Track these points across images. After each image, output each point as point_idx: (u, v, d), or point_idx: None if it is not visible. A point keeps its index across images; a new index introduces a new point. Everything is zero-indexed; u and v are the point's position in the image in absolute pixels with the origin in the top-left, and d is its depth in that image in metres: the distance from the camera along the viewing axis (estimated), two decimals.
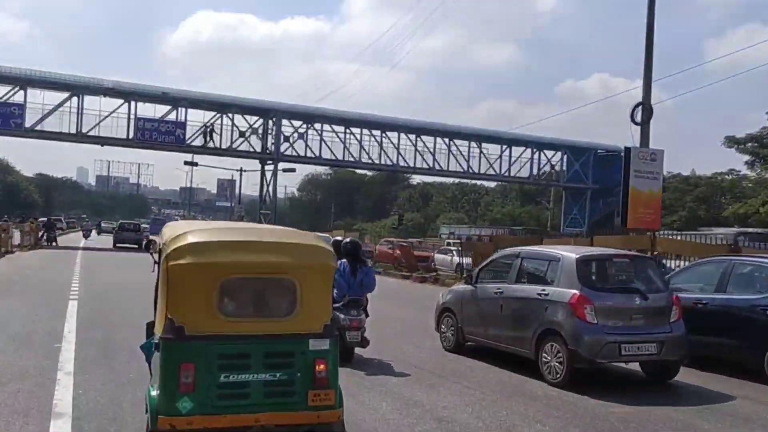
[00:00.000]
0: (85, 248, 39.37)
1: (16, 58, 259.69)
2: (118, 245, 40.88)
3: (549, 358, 8.44)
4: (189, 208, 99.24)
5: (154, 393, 4.49)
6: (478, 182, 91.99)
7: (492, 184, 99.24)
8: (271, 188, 49.25)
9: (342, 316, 8.75)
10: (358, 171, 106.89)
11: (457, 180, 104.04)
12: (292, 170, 52.42)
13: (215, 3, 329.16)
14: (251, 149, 47.45)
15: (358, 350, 9.25)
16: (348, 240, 10.09)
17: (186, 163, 52.84)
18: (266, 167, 49.53)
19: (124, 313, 12.35)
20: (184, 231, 4.75)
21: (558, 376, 8.26)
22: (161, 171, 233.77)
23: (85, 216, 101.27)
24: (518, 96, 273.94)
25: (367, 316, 9.27)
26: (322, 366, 4.62)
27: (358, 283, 9.27)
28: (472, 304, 10.03)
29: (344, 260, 9.23)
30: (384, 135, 50.05)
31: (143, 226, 52.91)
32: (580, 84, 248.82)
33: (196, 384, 4.36)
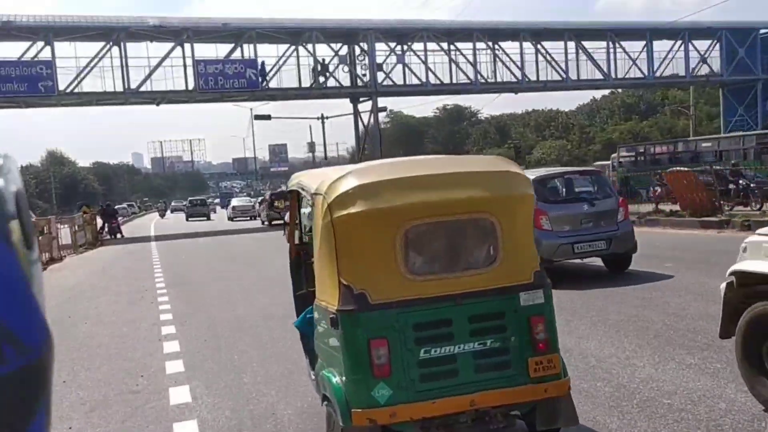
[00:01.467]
0: (158, 237, 29.11)
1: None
2: (190, 219, 43.77)
3: None
4: (256, 176, 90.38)
5: (336, 380, 3.49)
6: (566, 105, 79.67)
7: (572, 107, 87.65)
8: (369, 130, 37.88)
9: None
10: (417, 115, 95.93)
11: (530, 108, 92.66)
12: (383, 109, 40.88)
13: None
14: (338, 84, 35.92)
15: None
16: None
17: (258, 117, 42.03)
18: (359, 106, 38.10)
19: None
20: (343, 173, 3.60)
21: None
22: (212, 145, 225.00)
23: (147, 199, 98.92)
24: None
25: None
26: (539, 325, 3.56)
27: None
28: None
29: None
30: (496, 46, 37.82)
31: (208, 200, 57.66)
32: None
33: (392, 365, 3.37)
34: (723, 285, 4.61)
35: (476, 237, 3.73)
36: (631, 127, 60.40)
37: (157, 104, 34.48)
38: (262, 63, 33.77)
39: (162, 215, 56.93)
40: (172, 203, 72.35)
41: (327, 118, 44.95)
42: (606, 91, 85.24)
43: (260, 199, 40.07)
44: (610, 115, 77.79)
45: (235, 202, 44.34)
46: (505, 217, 3.60)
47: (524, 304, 3.55)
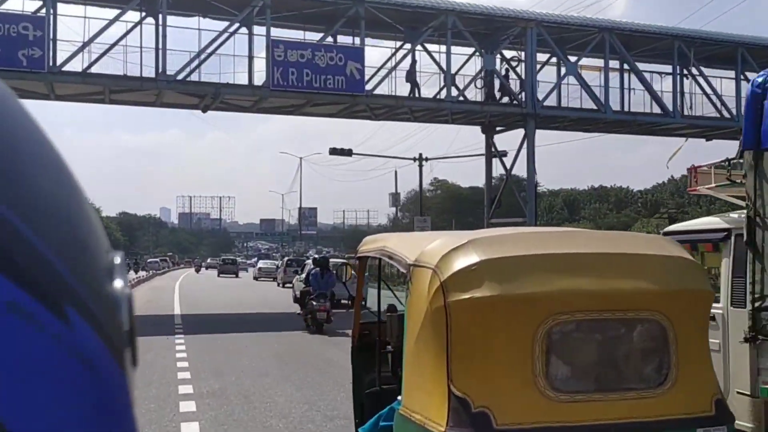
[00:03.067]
0: (186, 322, 15.87)
1: (102, 108, 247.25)
2: (221, 276, 47.71)
3: None
4: (299, 232, 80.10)
5: None
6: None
7: (649, 183, 75.09)
8: (521, 167, 24.93)
9: (315, 303, 13.67)
10: (463, 185, 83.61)
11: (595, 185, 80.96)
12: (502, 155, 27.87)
13: None
14: (476, 100, 23.04)
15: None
16: (319, 256, 19.53)
17: (335, 152, 29.50)
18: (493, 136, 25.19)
19: None
20: (461, 240, 2.55)
21: None
22: (241, 202, 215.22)
23: (171, 254, 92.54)
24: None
25: (332, 303, 14.06)
26: None
27: (324, 282, 14.09)
28: None
29: (316, 268, 14.92)
30: (693, 68, 25.03)
31: (238, 260, 63.96)
32: None
33: None
34: None
35: (642, 345, 2.61)
36: None
37: (204, 109, 21.79)
38: (413, 61, 21.38)
39: (198, 270, 59.61)
40: (208, 260, 73.86)
41: (427, 159, 32.11)
42: (684, 171, 72.72)
43: (279, 263, 41.40)
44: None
45: (260, 264, 47.63)
46: (680, 321, 2.52)
47: None
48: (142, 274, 44.45)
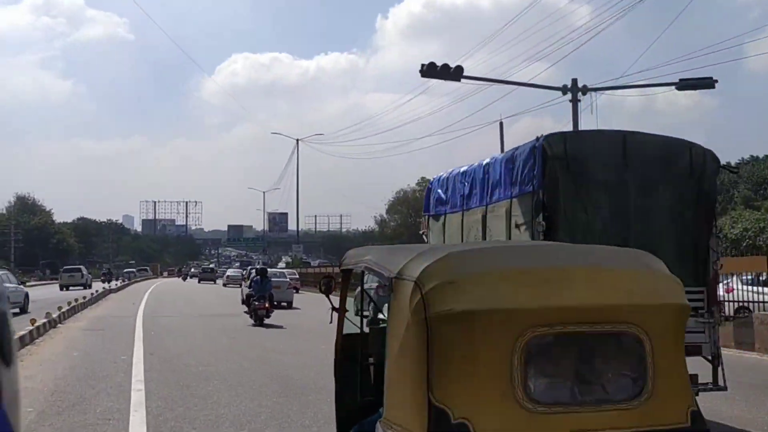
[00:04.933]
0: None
1: (63, 115, 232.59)
2: (201, 282, 54.80)
3: None
4: (297, 231, 70.83)
5: None
6: None
7: None
8: None
9: (256, 303, 17.41)
10: None
11: None
12: None
13: (251, 45, 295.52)
14: None
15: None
16: (260, 267, 23.55)
17: (429, 72, 16.79)
18: None
19: None
20: (441, 253, 2.65)
21: None
22: (207, 211, 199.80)
23: (133, 262, 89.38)
24: (555, 113, 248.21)
25: (271, 303, 18.03)
26: None
27: (263, 287, 17.97)
28: None
29: (258, 276, 18.78)
30: None
31: (214, 268, 70.70)
32: (618, 93, 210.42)
33: None
34: None
35: (619, 357, 2.67)
36: None
37: None
38: None
39: (184, 279, 63.65)
40: (192, 270, 76.39)
41: (587, 90, 19.14)
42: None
43: (244, 273, 42.55)
44: None
45: (229, 272, 51.77)
46: (657, 334, 2.57)
47: None
48: (116, 283, 45.62)
